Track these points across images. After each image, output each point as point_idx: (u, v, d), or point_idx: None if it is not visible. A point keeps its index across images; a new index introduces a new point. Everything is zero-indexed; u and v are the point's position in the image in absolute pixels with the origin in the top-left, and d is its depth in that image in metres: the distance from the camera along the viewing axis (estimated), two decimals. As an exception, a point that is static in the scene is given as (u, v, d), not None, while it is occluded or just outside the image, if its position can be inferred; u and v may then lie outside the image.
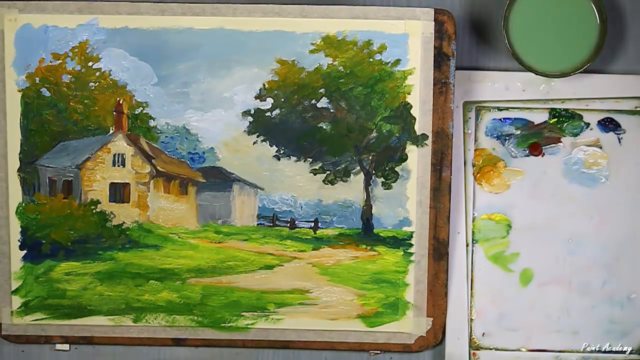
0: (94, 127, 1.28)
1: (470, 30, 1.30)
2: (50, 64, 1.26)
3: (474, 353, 1.30)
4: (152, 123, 1.27)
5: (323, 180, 1.28)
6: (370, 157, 1.28)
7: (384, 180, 1.28)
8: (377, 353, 1.31)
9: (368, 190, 1.28)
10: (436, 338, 1.29)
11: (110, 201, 1.29)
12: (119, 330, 1.30)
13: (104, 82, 1.27)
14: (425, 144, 1.27)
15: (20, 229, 1.28)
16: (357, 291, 1.29)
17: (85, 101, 1.27)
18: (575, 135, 1.30)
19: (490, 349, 1.30)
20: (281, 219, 1.29)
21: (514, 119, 1.30)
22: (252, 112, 1.27)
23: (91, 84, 1.27)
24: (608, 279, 1.30)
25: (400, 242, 1.28)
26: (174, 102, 1.27)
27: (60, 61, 1.26)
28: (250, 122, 1.27)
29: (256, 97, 1.27)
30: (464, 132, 1.30)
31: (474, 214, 1.30)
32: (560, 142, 1.30)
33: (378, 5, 1.27)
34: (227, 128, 1.27)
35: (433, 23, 1.25)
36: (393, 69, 1.26)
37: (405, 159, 1.27)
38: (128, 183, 1.29)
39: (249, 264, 1.29)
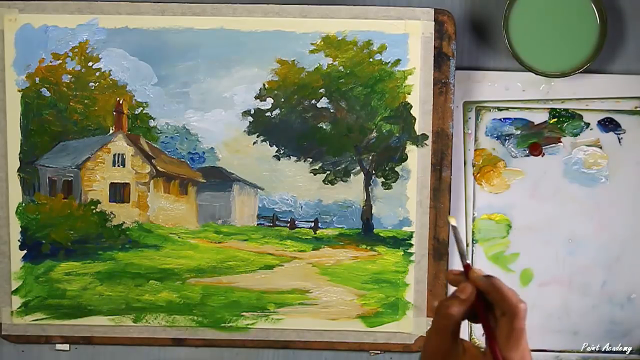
0: (94, 127, 1.28)
1: (470, 30, 1.30)
2: (50, 64, 1.26)
3: (474, 353, 1.30)
4: (152, 123, 1.27)
5: (323, 180, 1.28)
6: (370, 157, 1.28)
7: (384, 180, 1.28)
8: (377, 353, 1.31)
9: (368, 190, 1.28)
10: (436, 338, 1.29)
11: (110, 201, 1.29)
12: (119, 330, 1.30)
13: (104, 82, 1.27)
14: (425, 144, 1.27)
15: (20, 229, 1.28)
16: (357, 291, 1.29)
17: (85, 101, 1.27)
18: (575, 135, 1.30)
19: (490, 349, 1.30)
20: (281, 219, 1.29)
21: (514, 119, 1.30)
22: (252, 112, 1.27)
23: (91, 84, 1.27)
24: (608, 279, 1.30)
25: (400, 242, 1.28)
26: (174, 102, 1.27)
27: (60, 61, 1.26)
28: (250, 122, 1.27)
29: (256, 97, 1.27)
30: (464, 132, 1.30)
31: (474, 214, 1.30)
32: (560, 142, 1.30)
33: (378, 5, 1.27)
34: (227, 128, 1.27)
35: (433, 23, 1.25)
36: (393, 69, 1.26)
37: (405, 159, 1.27)
38: (128, 183, 1.29)
39: (249, 264, 1.29)
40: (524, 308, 0.95)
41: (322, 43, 1.26)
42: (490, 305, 0.95)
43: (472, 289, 0.96)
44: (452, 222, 0.99)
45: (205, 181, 1.29)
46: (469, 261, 1.10)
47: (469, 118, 1.30)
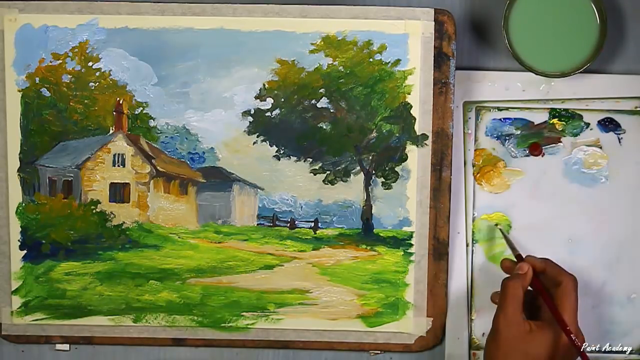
0: (94, 127, 1.28)
1: (470, 30, 1.30)
2: (50, 64, 1.26)
3: (474, 353, 1.30)
4: (152, 123, 1.27)
5: (323, 180, 1.28)
6: (370, 157, 1.28)
7: (384, 180, 1.28)
8: (377, 353, 1.31)
9: (368, 190, 1.28)
10: (436, 338, 1.29)
11: (110, 201, 1.29)
12: (119, 330, 1.30)
13: (104, 82, 1.27)
14: (425, 144, 1.27)
15: (20, 229, 1.28)
16: (357, 291, 1.29)
17: (85, 101, 1.27)
18: (575, 135, 1.30)
19: (490, 349, 1.30)
20: (281, 219, 1.29)
21: (514, 119, 1.30)
22: (252, 112, 1.27)
23: (91, 84, 1.27)
24: (608, 279, 1.30)
25: (400, 242, 1.28)
26: (174, 102, 1.27)
27: (60, 61, 1.26)
28: (250, 122, 1.27)
29: (256, 97, 1.27)
30: (464, 132, 1.30)
31: (474, 214, 1.30)
32: (560, 142, 1.30)
33: (378, 5, 1.27)
34: (227, 128, 1.27)
35: (433, 23, 1.25)
36: (393, 69, 1.26)
37: (405, 159, 1.27)
38: (128, 183, 1.29)
39: (249, 264, 1.29)
40: (576, 278, 1.18)
41: (322, 43, 1.26)
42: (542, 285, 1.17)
43: (529, 266, 1.18)
44: (499, 226, 1.28)
45: (205, 181, 1.29)
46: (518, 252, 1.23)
47: (469, 118, 1.30)
